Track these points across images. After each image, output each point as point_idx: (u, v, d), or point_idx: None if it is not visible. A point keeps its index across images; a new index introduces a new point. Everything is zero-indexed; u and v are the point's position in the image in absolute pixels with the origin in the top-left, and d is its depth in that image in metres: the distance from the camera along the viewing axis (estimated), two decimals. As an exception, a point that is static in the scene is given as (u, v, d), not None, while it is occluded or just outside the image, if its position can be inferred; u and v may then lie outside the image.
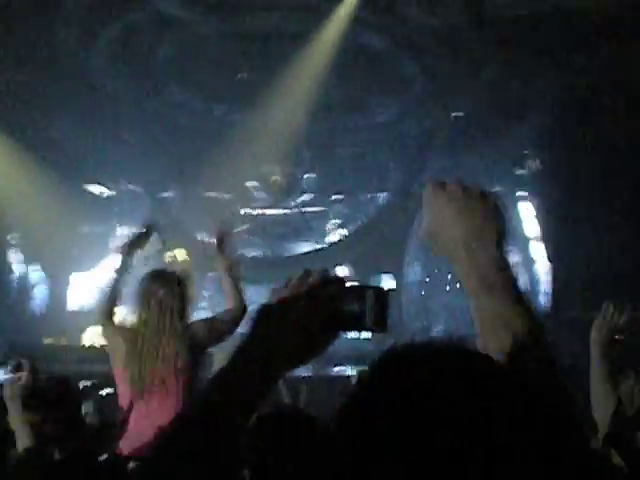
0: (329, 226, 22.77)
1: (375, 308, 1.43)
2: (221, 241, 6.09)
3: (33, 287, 20.74)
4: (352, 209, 21.82)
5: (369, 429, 1.13)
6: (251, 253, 24.24)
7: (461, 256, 1.57)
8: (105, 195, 22.16)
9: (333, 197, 21.56)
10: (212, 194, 21.32)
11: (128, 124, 19.77)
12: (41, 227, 18.81)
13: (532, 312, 1.61)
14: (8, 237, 19.86)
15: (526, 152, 19.24)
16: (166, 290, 5.61)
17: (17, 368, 4.94)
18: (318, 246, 21.65)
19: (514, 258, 20.41)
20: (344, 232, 21.62)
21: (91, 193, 21.68)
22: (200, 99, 19.83)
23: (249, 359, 1.39)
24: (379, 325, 1.44)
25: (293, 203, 22.02)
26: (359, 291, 1.44)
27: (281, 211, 22.63)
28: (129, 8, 15.82)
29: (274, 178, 21.67)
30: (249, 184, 21.79)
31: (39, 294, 20.86)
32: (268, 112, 18.64)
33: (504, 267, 1.59)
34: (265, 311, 1.45)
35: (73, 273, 21.21)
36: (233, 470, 1.47)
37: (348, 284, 1.45)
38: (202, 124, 20.24)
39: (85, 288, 21.17)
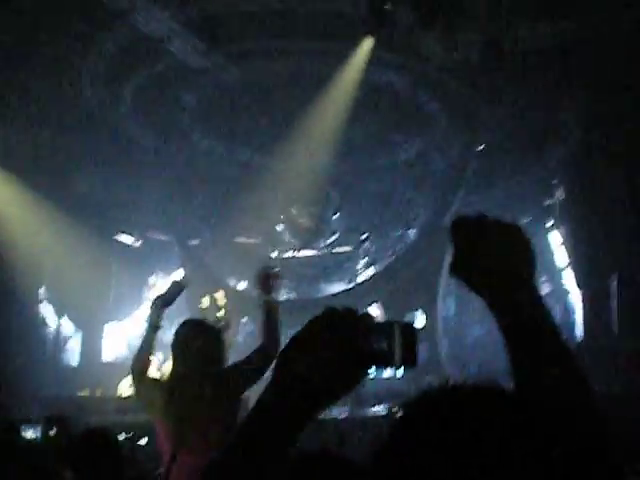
0: (359, 265, 22.76)
1: (403, 344, 1.41)
2: (264, 282, 6.05)
3: (66, 340, 20.84)
4: (381, 247, 21.80)
5: (404, 473, 1.12)
6: (283, 296, 24.27)
7: (492, 290, 1.56)
8: (135, 245, 22.35)
9: (362, 236, 21.55)
10: (241, 239, 21.42)
11: (154, 173, 19.95)
12: (73, 280, 18.95)
13: (568, 347, 1.58)
14: (40, 291, 20.01)
15: (554, 182, 19.15)
16: (204, 340, 5.55)
17: (48, 424, 4.93)
18: (350, 286, 21.60)
19: (545, 289, 20.28)
20: (374, 270, 21.57)
21: (121, 243, 21.88)
22: (224, 145, 20.00)
23: (277, 400, 1.38)
24: (408, 361, 1.42)
25: (322, 244, 22.06)
26: (387, 327, 1.42)
27: (311, 253, 22.66)
28: (152, 59, 16.03)
29: (302, 220, 21.73)
30: (277, 227, 21.88)
31: (73, 347, 20.96)
32: (292, 155, 18.75)
33: (538, 300, 1.57)
34: (292, 350, 1.43)
35: (106, 324, 21.33)
36: None
37: (376, 320, 1.43)
38: (227, 170, 20.39)
39: (119, 338, 21.29)
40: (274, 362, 1.46)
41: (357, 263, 22.82)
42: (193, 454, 5.32)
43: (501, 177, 19.33)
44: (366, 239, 21.48)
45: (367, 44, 15.78)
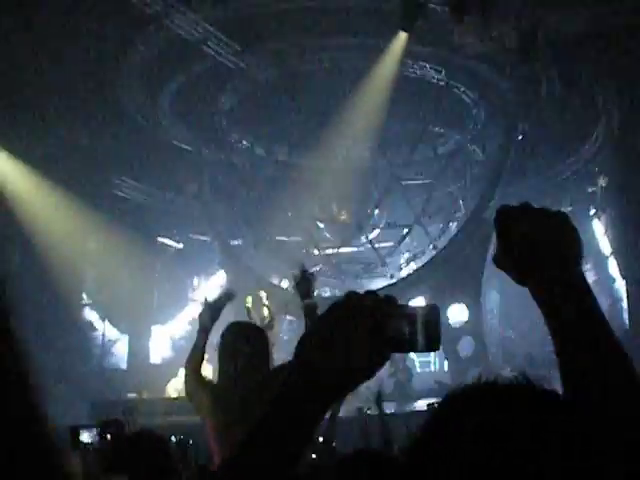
0: (401, 260, 22.70)
1: (426, 327, 1.39)
2: (300, 284, 6.03)
3: (114, 343, 21.05)
4: (422, 241, 21.71)
5: (441, 468, 1.11)
6: (326, 293, 24.30)
7: (539, 279, 1.53)
8: (177, 247, 22.51)
9: (403, 231, 21.47)
10: (282, 238, 21.45)
11: (193, 175, 20.07)
12: (117, 284, 19.15)
13: (614, 335, 1.55)
14: (85, 296, 20.25)
15: (596, 169, 18.95)
16: (251, 344, 5.56)
17: (105, 428, 4.99)
18: (392, 281, 21.56)
19: (590, 277, 20.08)
20: (416, 265, 21.50)
21: (163, 246, 22.05)
22: (262, 145, 20.07)
23: (297, 386, 1.36)
24: (431, 345, 1.40)
25: (364, 240, 22.01)
26: (410, 311, 1.40)
27: (353, 249, 22.64)
28: (188, 61, 16.13)
29: (342, 217, 21.72)
30: (319, 224, 21.89)
31: (120, 350, 21.17)
32: (331, 152, 18.74)
33: (584, 287, 1.54)
34: (312, 335, 1.41)
35: (152, 326, 21.51)
36: None
37: (398, 303, 1.41)
38: (266, 169, 20.44)
39: (165, 340, 21.46)
40: (295, 347, 1.45)
41: (399, 258, 22.77)
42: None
43: (541, 166, 19.15)
44: (407, 234, 21.39)
45: (402, 38, 15.73)
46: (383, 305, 1.37)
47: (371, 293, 1.38)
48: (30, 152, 16.59)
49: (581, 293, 1.54)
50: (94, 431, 5.23)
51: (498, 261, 1.59)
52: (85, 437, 5.35)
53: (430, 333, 1.39)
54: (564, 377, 1.50)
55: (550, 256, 1.53)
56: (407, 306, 1.41)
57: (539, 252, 1.53)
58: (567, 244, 1.56)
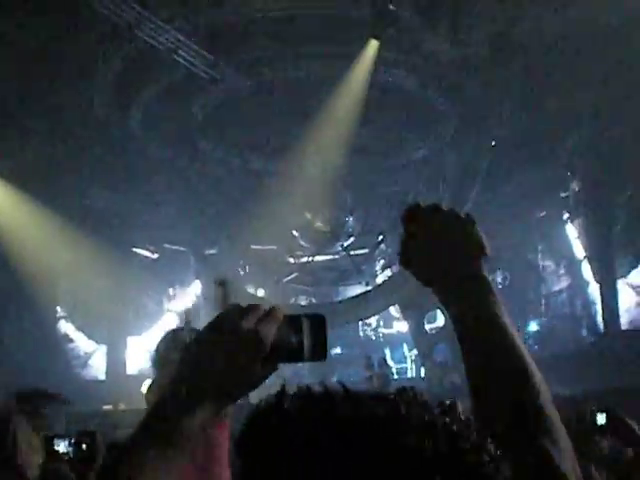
0: (377, 267, 22.75)
1: (312, 337, 1.38)
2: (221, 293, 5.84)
3: (91, 355, 20.95)
4: (398, 248, 21.74)
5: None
6: (303, 301, 24.30)
7: (441, 279, 1.54)
8: (152, 257, 22.42)
9: (378, 238, 21.52)
10: (257, 246, 21.44)
11: (166, 185, 20.01)
12: (92, 295, 19.04)
13: (513, 340, 1.52)
14: (58, 308, 20.13)
15: (569, 173, 19.09)
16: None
17: (80, 439, 4.96)
18: (368, 288, 21.60)
19: (564, 282, 20.22)
20: (391, 272, 21.55)
21: (138, 256, 21.96)
22: (236, 154, 20.04)
23: (183, 394, 1.35)
24: (317, 354, 1.39)
25: (339, 247, 22.05)
26: (294, 320, 1.39)
27: (328, 257, 22.67)
28: (160, 71, 16.09)
29: (317, 225, 21.74)
30: (293, 233, 21.89)
31: (98, 361, 21.07)
32: (305, 160, 18.76)
33: (484, 289, 1.54)
34: (199, 344, 1.41)
35: (129, 337, 21.41)
36: None
37: (284, 313, 1.40)
38: (240, 178, 20.42)
39: (141, 351, 21.35)
40: (180, 357, 1.45)
41: (374, 265, 22.83)
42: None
43: (515, 172, 19.26)
44: (382, 240, 21.45)
45: (373, 46, 15.78)
46: (269, 314, 1.36)
47: (255, 304, 1.38)
48: (1, 163, 16.46)
49: (481, 295, 1.54)
50: (68, 441, 5.20)
51: (404, 260, 1.60)
52: (62, 447, 5.32)
53: (316, 342, 1.38)
54: (469, 384, 1.49)
55: (453, 257, 1.54)
56: (293, 316, 1.40)
57: (444, 252, 1.56)
58: (470, 246, 1.57)
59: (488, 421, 1.37)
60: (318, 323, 1.39)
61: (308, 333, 1.37)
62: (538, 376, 1.46)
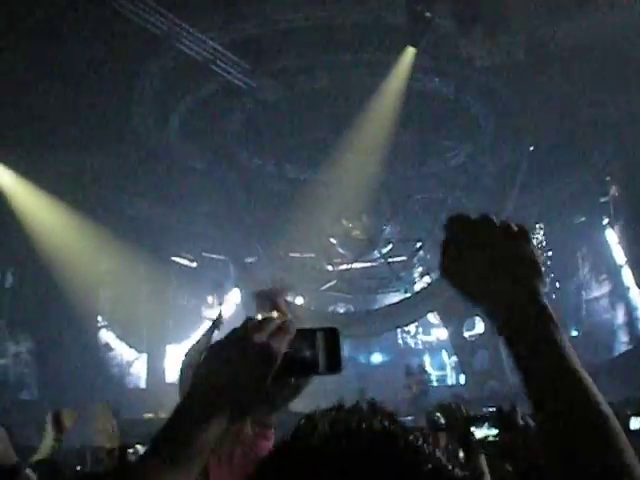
0: (415, 274, 22.66)
1: (326, 350, 1.38)
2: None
3: (132, 363, 21.10)
4: (436, 255, 21.58)
5: None
6: (341, 309, 24.28)
7: (491, 293, 1.41)
8: (191, 266, 22.56)
9: (416, 245, 21.44)
10: (296, 254, 21.45)
11: (205, 195, 20.13)
12: (132, 304, 19.20)
13: (568, 357, 1.38)
14: (99, 318, 20.31)
15: (607, 179, 18.91)
16: None
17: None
18: (406, 295, 21.52)
19: (605, 287, 20.00)
20: (430, 279, 21.45)
21: (177, 265, 22.11)
22: (273, 162, 20.11)
23: (197, 410, 1.35)
24: (332, 367, 1.39)
25: (377, 255, 21.99)
26: (308, 334, 1.39)
27: (366, 264, 22.60)
28: (197, 82, 16.21)
29: (354, 232, 21.71)
30: (331, 240, 21.88)
31: (139, 369, 21.22)
32: (342, 167, 18.76)
33: (542, 304, 1.41)
34: (211, 358, 1.40)
35: (169, 345, 21.53)
36: None
37: (298, 327, 1.40)
38: (278, 187, 20.47)
39: (180, 359, 21.46)
40: (194, 371, 1.44)
41: (413, 272, 22.74)
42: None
43: (554, 177, 19.12)
44: (420, 247, 21.36)
45: (410, 53, 15.77)
46: (282, 329, 1.36)
47: (269, 317, 1.38)
48: (42, 174, 16.66)
49: (547, 334, 1.40)
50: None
51: (447, 271, 1.49)
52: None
53: (331, 355, 1.38)
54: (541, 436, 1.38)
55: (505, 276, 1.41)
56: (307, 329, 1.40)
57: (494, 269, 1.43)
58: (525, 265, 1.44)
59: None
60: (332, 336, 1.39)
61: (322, 346, 1.38)
62: (617, 427, 1.32)
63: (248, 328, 1.38)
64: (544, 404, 1.37)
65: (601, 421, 1.31)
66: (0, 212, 16.97)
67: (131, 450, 5.31)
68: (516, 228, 1.46)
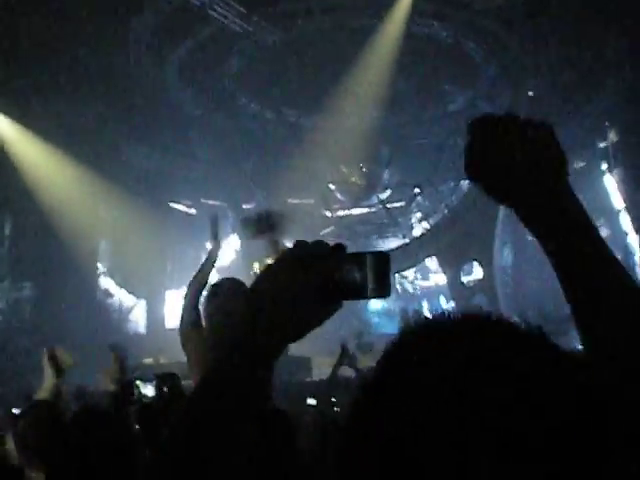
0: (413, 220, 22.68)
1: (375, 274, 1.38)
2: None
3: (131, 310, 21.22)
4: (434, 200, 21.66)
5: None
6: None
7: (524, 193, 1.41)
8: (190, 212, 22.54)
9: (414, 190, 21.44)
10: (294, 200, 21.45)
11: (203, 141, 20.06)
12: (131, 251, 19.23)
13: (616, 261, 1.39)
14: (99, 265, 20.36)
15: (606, 124, 18.82)
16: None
17: (161, 382, 5.04)
18: (405, 241, 21.57)
19: (603, 233, 20.03)
20: (428, 224, 21.49)
21: (176, 211, 22.10)
22: (271, 107, 20.00)
23: (247, 337, 1.34)
24: (381, 291, 1.39)
25: (376, 200, 22.00)
26: (358, 257, 1.39)
27: (365, 210, 22.62)
28: (194, 26, 16.06)
29: (353, 178, 21.68)
30: (330, 186, 21.86)
31: (138, 316, 21.36)
32: (340, 113, 18.67)
33: (575, 200, 1.43)
34: (262, 281, 1.40)
35: (168, 291, 21.62)
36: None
37: (347, 251, 1.40)
38: (276, 132, 20.39)
39: (180, 305, 21.56)
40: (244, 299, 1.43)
41: (411, 217, 22.75)
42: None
43: (553, 122, 18.96)
44: (419, 193, 21.37)
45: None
46: (331, 252, 1.36)
47: (319, 241, 1.37)
48: (39, 121, 16.58)
49: (579, 218, 1.45)
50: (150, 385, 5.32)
51: (472, 170, 1.46)
52: (148, 391, 5.48)
53: (380, 279, 1.39)
54: (577, 323, 1.40)
55: (534, 168, 1.41)
56: (357, 253, 1.40)
57: (521, 163, 1.42)
58: (552, 156, 1.46)
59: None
60: (382, 260, 1.40)
61: (371, 270, 1.38)
62: None
63: (301, 249, 1.38)
64: (582, 282, 1.40)
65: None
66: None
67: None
68: (539, 123, 1.46)
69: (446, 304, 23.77)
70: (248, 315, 1.36)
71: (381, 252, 1.41)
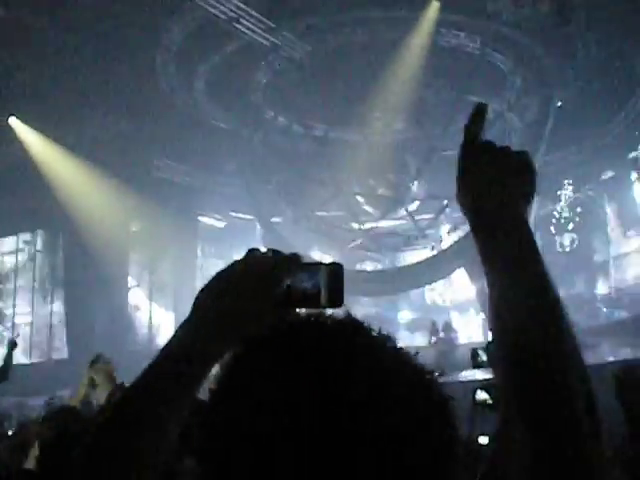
0: (442, 232, 22.61)
1: (329, 284, 1.40)
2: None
3: (159, 325, 21.31)
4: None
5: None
6: (368, 267, 24.31)
7: (477, 211, 1.50)
8: (218, 226, 22.65)
9: (443, 202, 21.38)
10: (322, 213, 21.46)
11: (231, 155, 20.14)
12: (161, 265, 19.35)
13: (543, 273, 1.44)
14: (129, 279, 20.49)
15: (637, 133, 18.69)
16: None
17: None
18: (434, 253, 21.51)
19: (635, 243, 19.88)
20: (457, 236, 21.40)
21: (205, 225, 22.21)
22: (299, 121, 20.04)
23: (190, 337, 1.37)
24: (334, 301, 1.41)
25: (404, 212, 21.96)
26: (314, 267, 1.41)
27: (393, 222, 22.59)
28: (221, 41, 16.15)
29: (381, 190, 21.67)
30: (358, 199, 21.86)
31: (167, 330, 21.42)
32: (367, 126, 18.68)
33: (518, 227, 1.50)
34: (211, 288, 1.43)
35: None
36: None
37: (303, 260, 1.41)
38: (304, 146, 20.42)
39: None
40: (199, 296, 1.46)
41: (439, 229, 22.69)
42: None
43: (582, 133, 18.92)
44: (447, 205, 21.29)
45: (434, 8, 15.62)
46: (285, 261, 1.38)
47: (275, 250, 1.40)
48: (70, 137, 16.77)
49: (525, 236, 1.49)
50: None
51: (460, 198, 1.57)
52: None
53: (334, 290, 1.40)
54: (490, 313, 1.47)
55: (493, 191, 1.51)
56: (311, 263, 1.42)
57: (492, 188, 1.51)
58: (525, 183, 1.54)
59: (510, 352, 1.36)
60: (335, 271, 1.42)
61: (326, 281, 1.40)
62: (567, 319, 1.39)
63: (250, 258, 1.41)
64: (504, 283, 1.48)
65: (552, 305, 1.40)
66: (31, 176, 17.12)
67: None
68: (517, 152, 1.59)
69: (476, 316, 23.67)
70: (196, 317, 1.41)
71: (335, 263, 1.44)
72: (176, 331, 1.41)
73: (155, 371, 1.39)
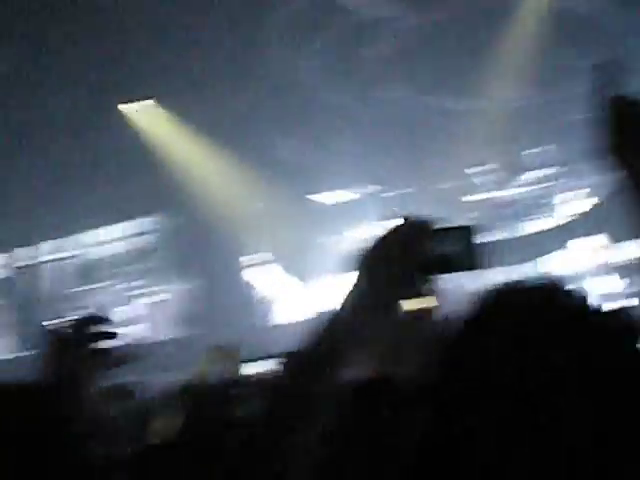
0: (558, 201, 22.12)
1: (466, 248, 1.40)
2: None
3: (286, 296, 21.51)
4: (578, 180, 21.03)
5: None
6: (485, 238, 23.99)
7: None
8: (329, 204, 22.65)
9: (558, 170, 20.90)
10: (440, 186, 21.27)
11: (343, 131, 20.13)
12: (276, 242, 19.55)
13: None
14: (248, 257, 20.78)
15: None
16: None
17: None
18: (552, 223, 21.09)
19: None
20: (575, 205, 20.92)
21: (315, 204, 22.25)
22: (410, 94, 19.89)
23: (344, 313, 1.39)
24: (472, 264, 1.41)
25: (518, 183, 21.58)
26: (448, 233, 1.41)
27: (507, 193, 22.22)
28: (326, 17, 16.15)
29: (497, 161, 21.34)
30: (471, 170, 21.58)
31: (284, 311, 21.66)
32: (482, 95, 18.43)
33: None
34: (359, 263, 1.45)
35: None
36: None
37: (441, 226, 1.42)
38: (416, 117, 20.25)
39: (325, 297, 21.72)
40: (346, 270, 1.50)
41: (556, 199, 22.22)
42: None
43: None
44: (563, 172, 20.83)
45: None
46: (427, 226, 1.39)
47: (409, 219, 1.41)
48: (194, 115, 17.05)
49: None
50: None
51: (616, 153, 1.55)
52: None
53: (470, 253, 1.41)
54: None
55: None
56: (444, 228, 1.43)
57: None
58: None
59: None
60: (467, 234, 1.43)
61: (462, 244, 1.42)
62: None
63: (399, 227, 1.44)
64: None
65: None
66: (151, 160, 17.54)
67: None
68: None
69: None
70: (352, 288, 1.45)
71: (466, 226, 1.46)
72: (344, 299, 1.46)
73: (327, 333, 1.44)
